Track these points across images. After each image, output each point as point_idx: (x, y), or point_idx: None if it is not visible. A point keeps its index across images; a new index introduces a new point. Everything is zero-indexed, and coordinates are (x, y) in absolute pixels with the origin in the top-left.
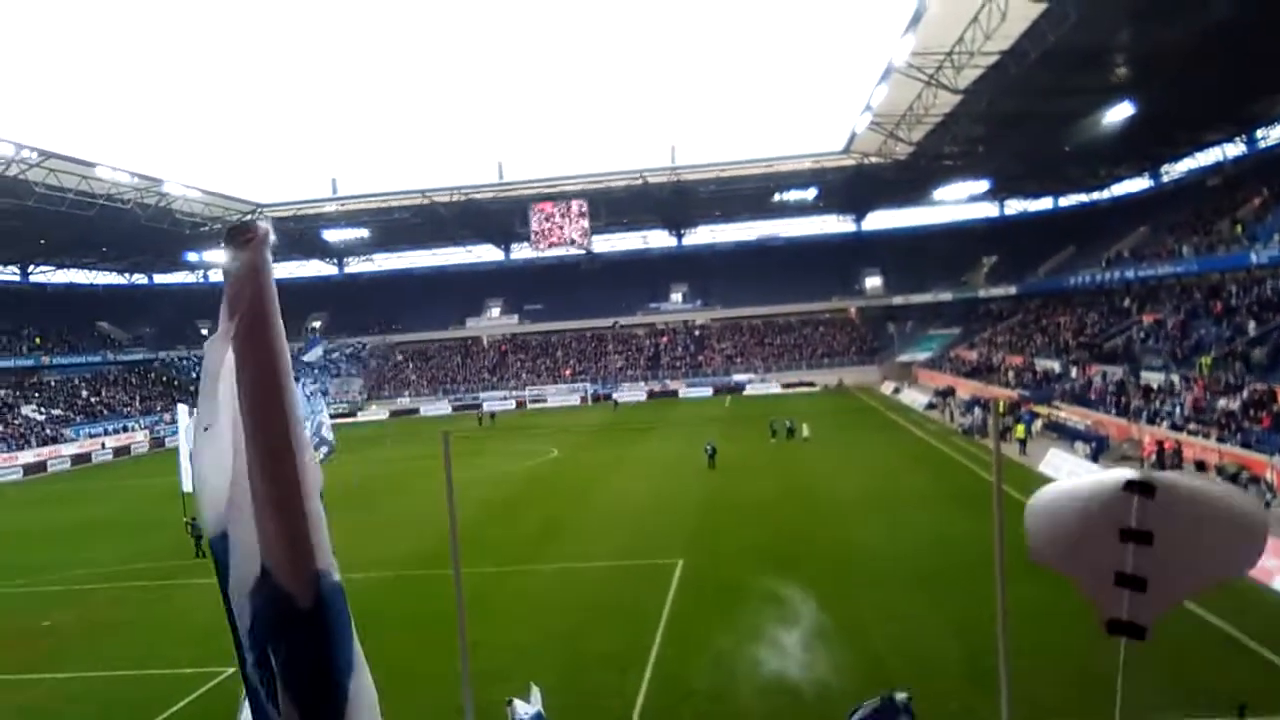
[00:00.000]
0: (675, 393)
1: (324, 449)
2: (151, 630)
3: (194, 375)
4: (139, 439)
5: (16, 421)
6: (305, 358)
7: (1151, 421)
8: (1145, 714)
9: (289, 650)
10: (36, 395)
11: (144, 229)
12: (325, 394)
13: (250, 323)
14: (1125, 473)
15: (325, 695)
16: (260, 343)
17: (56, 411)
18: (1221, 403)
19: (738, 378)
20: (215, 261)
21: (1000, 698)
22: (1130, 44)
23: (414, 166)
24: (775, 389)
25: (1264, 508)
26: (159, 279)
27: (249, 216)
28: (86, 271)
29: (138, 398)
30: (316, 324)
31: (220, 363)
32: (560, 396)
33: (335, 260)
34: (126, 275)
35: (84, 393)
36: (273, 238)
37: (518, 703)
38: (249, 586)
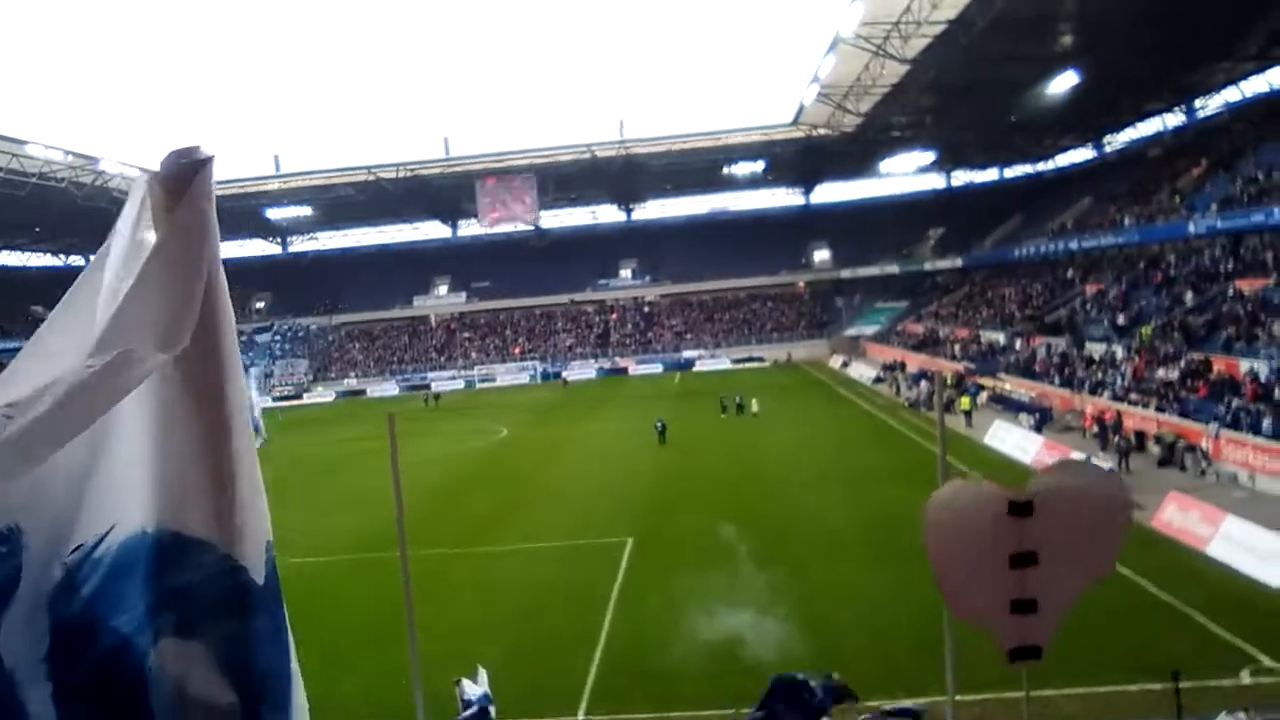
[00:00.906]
0: (625, 370)
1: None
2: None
3: None
4: None
5: None
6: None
7: (1094, 392)
8: (1084, 679)
9: (237, 628)
10: None
11: (80, 209)
12: (264, 375)
13: (194, 298)
14: (1006, 493)
15: (279, 671)
16: (208, 315)
17: None
18: (1160, 373)
19: (688, 354)
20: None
21: (945, 668)
22: (1076, 11)
23: (359, 143)
24: (725, 365)
25: (1127, 490)
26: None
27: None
28: (18, 254)
29: None
30: (260, 304)
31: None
32: (510, 375)
33: (279, 239)
34: (62, 257)
35: None
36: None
37: (465, 683)
38: (160, 565)
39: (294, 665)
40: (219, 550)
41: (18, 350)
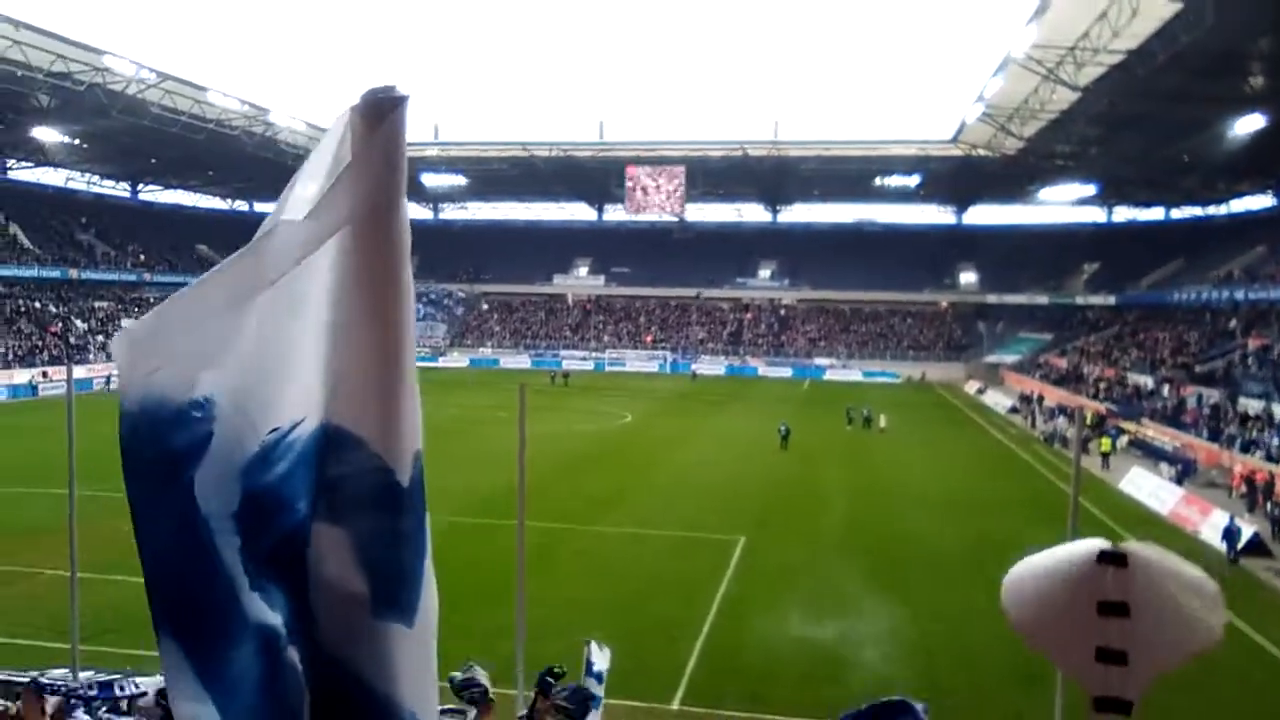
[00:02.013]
0: (755, 370)
1: None
2: None
3: None
4: None
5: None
6: None
7: (1245, 450)
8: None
9: (378, 524)
10: (137, 310)
11: (249, 156)
12: None
13: (381, 212)
14: (1096, 543)
15: (410, 573)
16: (389, 232)
17: None
18: None
19: (819, 361)
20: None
21: (1055, 702)
22: (1268, 52)
23: (514, 118)
24: (856, 376)
25: (1211, 580)
26: (259, 207)
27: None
28: (191, 194)
29: None
30: None
31: (312, 246)
32: (639, 362)
33: (431, 205)
34: (229, 201)
35: None
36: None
37: (594, 646)
38: (317, 457)
39: (428, 569)
40: (374, 450)
41: (182, 284)
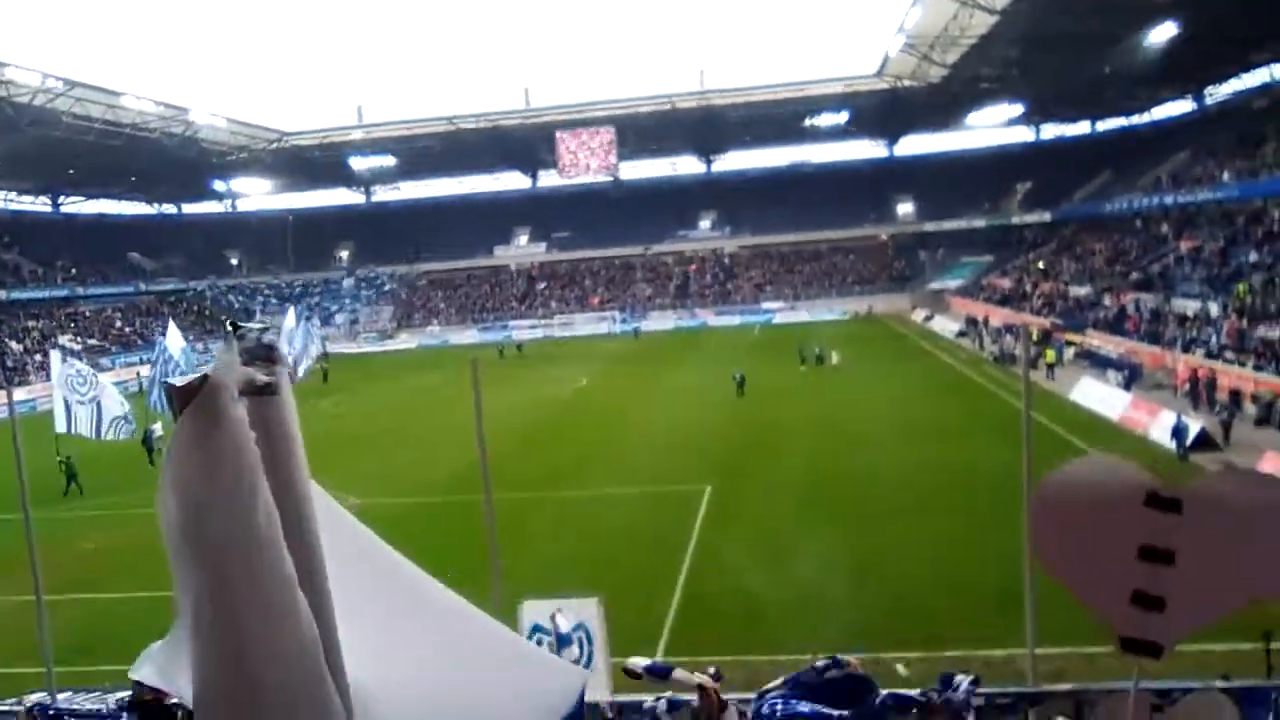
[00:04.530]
0: (704, 322)
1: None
2: None
3: (228, 305)
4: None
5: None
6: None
7: (1186, 349)
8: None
9: None
10: (73, 325)
11: (171, 158)
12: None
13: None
14: (1145, 481)
15: None
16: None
17: (93, 341)
18: (1260, 330)
19: (767, 306)
20: (242, 190)
21: (1026, 619)
22: None
23: (440, 93)
24: (805, 317)
25: None
26: (187, 208)
27: (274, 145)
28: (115, 202)
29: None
30: (343, 253)
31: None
32: (589, 325)
33: (362, 188)
34: (155, 205)
35: (118, 323)
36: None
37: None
38: None
39: None
40: None
41: (118, 296)
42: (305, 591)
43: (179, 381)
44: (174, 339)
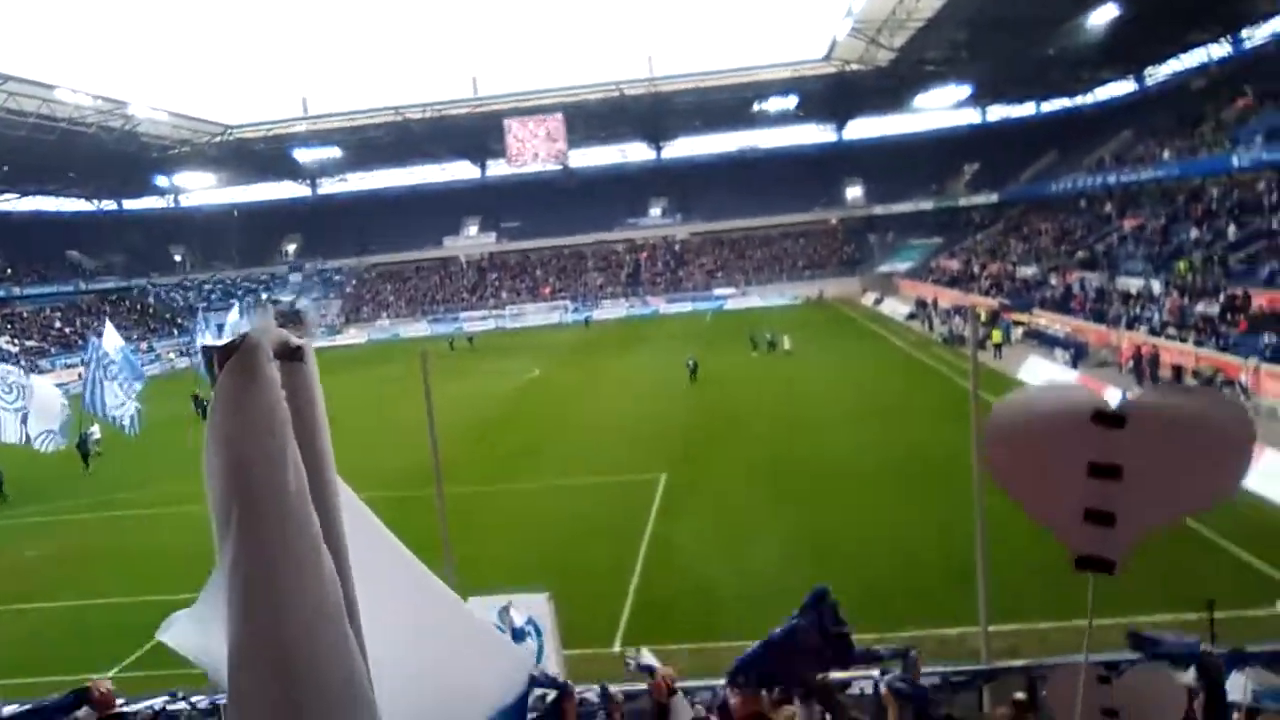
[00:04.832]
0: (656, 309)
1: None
2: (140, 558)
3: (172, 303)
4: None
5: None
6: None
7: (1130, 327)
8: (1118, 610)
9: None
10: (10, 327)
11: (110, 153)
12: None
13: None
14: (1093, 399)
15: None
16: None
17: (31, 343)
18: (1200, 307)
19: (719, 292)
20: (185, 185)
21: (979, 597)
22: None
23: (386, 83)
24: (757, 302)
25: (1248, 417)
26: (128, 204)
27: (217, 138)
28: (53, 198)
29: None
30: (290, 247)
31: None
32: (541, 315)
33: (308, 181)
34: (94, 201)
35: (58, 323)
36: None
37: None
38: None
39: None
40: None
41: (58, 295)
42: (330, 553)
43: (218, 342)
44: (110, 339)
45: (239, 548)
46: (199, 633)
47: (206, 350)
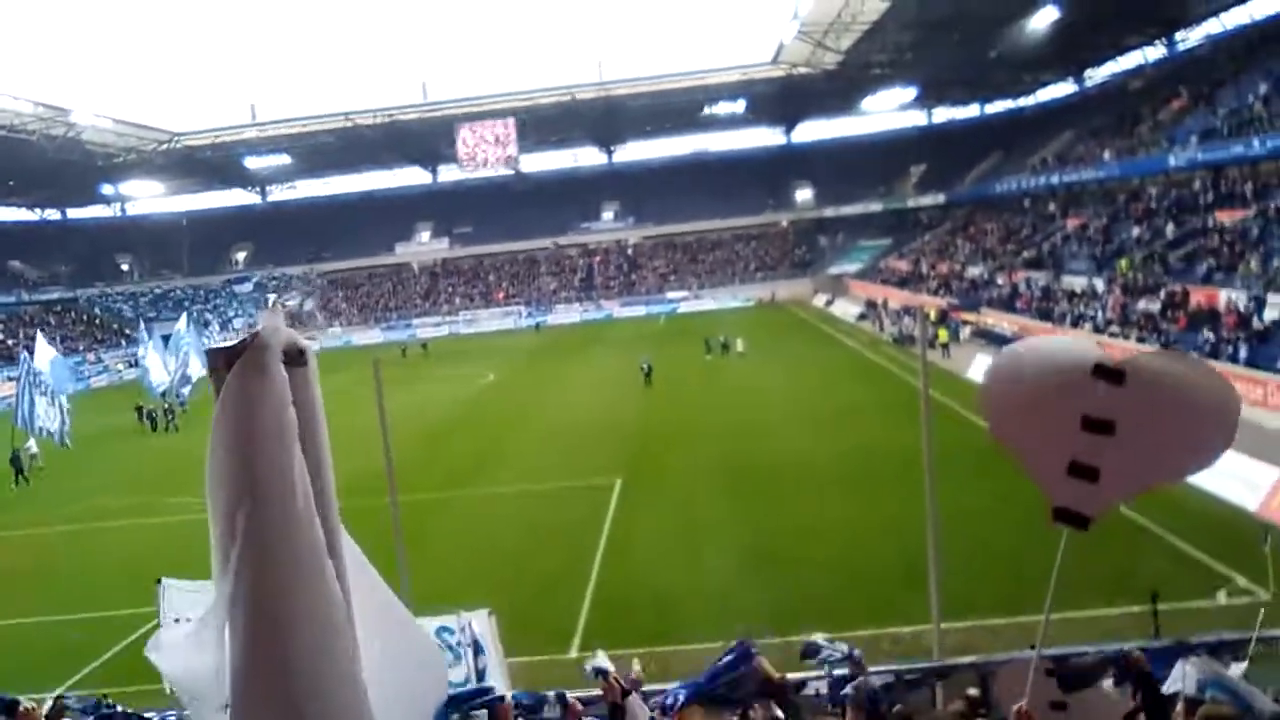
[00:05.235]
0: (610, 313)
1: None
2: (84, 573)
3: (120, 313)
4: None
5: None
6: (237, 289)
7: (1075, 325)
8: (1066, 604)
9: None
10: None
11: (52, 161)
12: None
13: None
14: (1096, 353)
15: None
16: None
17: None
18: (1141, 304)
19: (672, 295)
20: (132, 194)
21: (930, 596)
22: None
23: (336, 89)
24: (710, 305)
25: (1236, 392)
26: (72, 213)
27: (164, 145)
28: None
29: (58, 338)
30: (240, 255)
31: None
32: (494, 320)
33: (258, 189)
34: (37, 211)
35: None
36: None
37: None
38: None
39: None
40: None
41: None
42: (330, 556)
43: (225, 343)
44: (42, 353)
45: (243, 557)
46: (186, 651)
47: (212, 353)
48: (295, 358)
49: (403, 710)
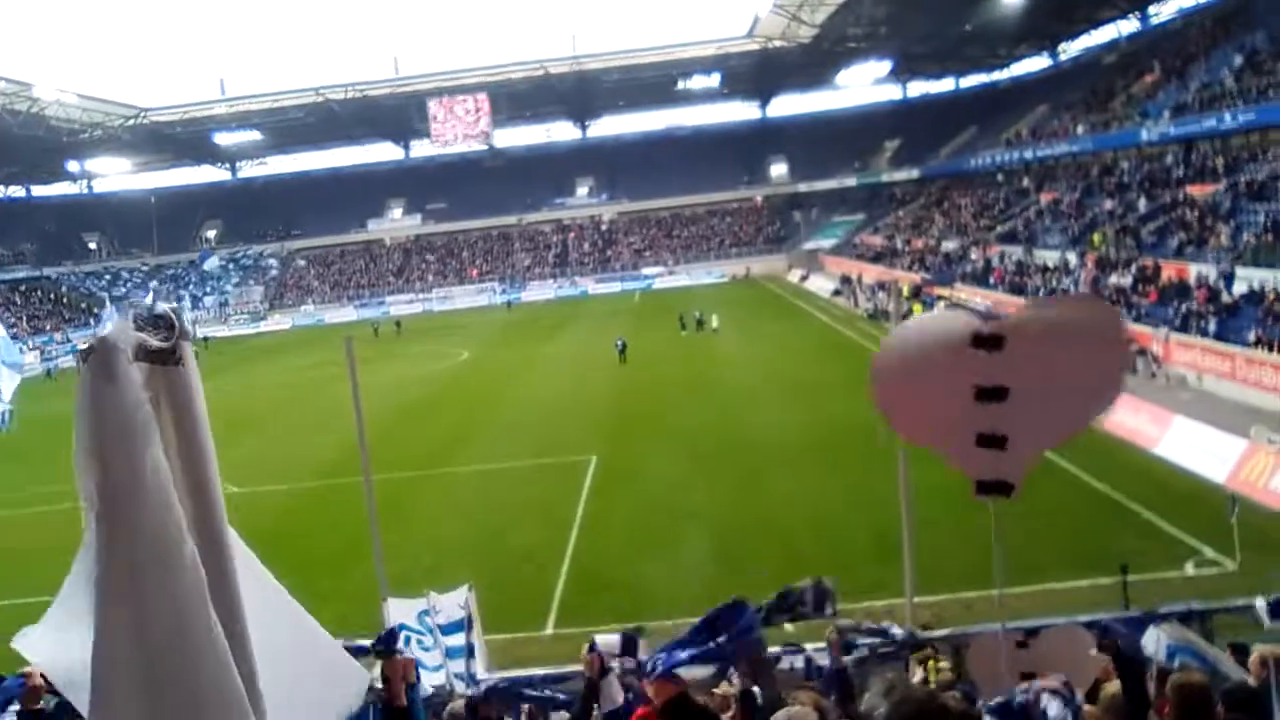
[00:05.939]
0: (585, 290)
1: None
2: (66, 555)
3: (87, 292)
4: (29, 361)
5: None
6: (204, 267)
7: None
8: (1037, 577)
9: None
10: None
11: (15, 137)
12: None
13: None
14: (970, 324)
15: None
16: None
17: None
18: (1113, 278)
19: (647, 271)
20: (99, 170)
21: (904, 569)
22: None
23: (307, 63)
24: (685, 281)
25: (1120, 318)
26: (37, 191)
27: (131, 121)
28: None
29: (24, 318)
30: (211, 233)
31: None
32: (469, 298)
33: (227, 165)
34: (1, 188)
35: None
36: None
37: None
38: None
39: None
40: None
41: None
42: (204, 544)
43: (83, 344)
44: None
45: (97, 547)
46: (54, 640)
47: (80, 351)
48: (165, 358)
49: (306, 710)
